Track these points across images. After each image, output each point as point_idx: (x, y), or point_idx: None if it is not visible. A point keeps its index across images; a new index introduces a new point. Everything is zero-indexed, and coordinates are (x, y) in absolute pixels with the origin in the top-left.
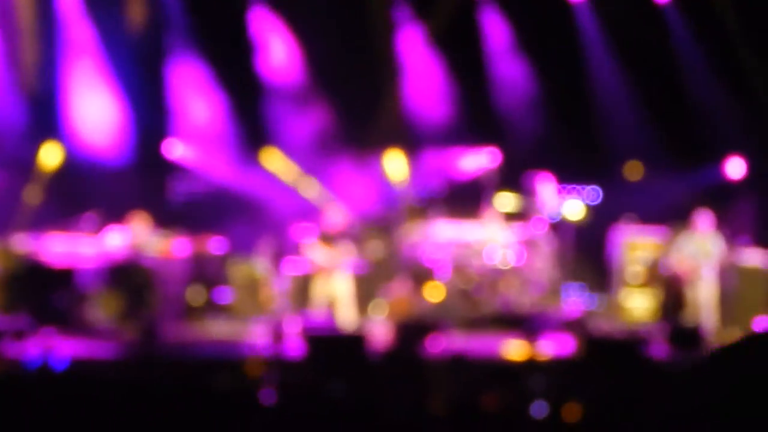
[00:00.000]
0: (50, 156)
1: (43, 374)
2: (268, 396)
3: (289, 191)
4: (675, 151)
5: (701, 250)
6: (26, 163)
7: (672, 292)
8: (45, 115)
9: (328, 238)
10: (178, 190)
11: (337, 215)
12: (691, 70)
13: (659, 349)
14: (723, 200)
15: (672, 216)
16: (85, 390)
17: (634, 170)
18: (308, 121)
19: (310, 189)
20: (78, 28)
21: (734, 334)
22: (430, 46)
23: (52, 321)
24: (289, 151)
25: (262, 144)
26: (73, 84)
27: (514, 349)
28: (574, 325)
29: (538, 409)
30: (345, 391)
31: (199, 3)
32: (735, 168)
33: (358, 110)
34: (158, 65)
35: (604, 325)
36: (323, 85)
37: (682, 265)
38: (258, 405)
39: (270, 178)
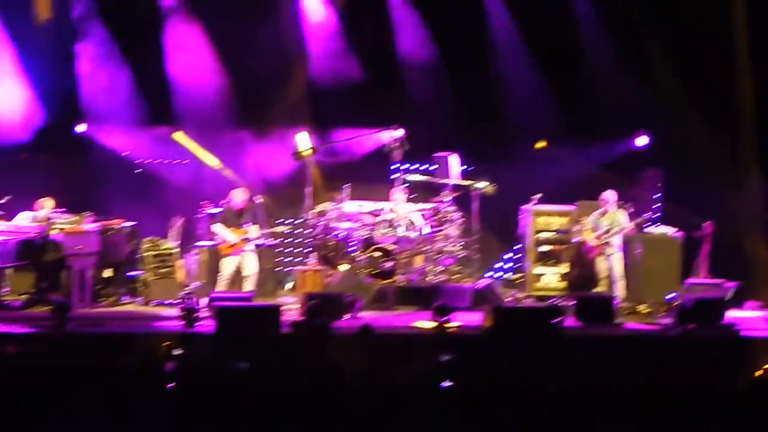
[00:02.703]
0: None
1: None
2: (174, 372)
3: (198, 171)
4: (579, 128)
5: (609, 224)
6: None
7: (582, 265)
8: None
9: (234, 216)
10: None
11: (242, 194)
12: (594, 46)
13: (569, 321)
14: (628, 175)
15: (579, 191)
16: None
17: (539, 147)
18: (213, 99)
19: (217, 168)
20: None
21: (644, 305)
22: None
23: None
24: (196, 131)
25: (168, 124)
26: None
27: (424, 322)
28: (485, 297)
29: (447, 381)
30: (249, 366)
31: None
32: (640, 144)
33: (263, 87)
34: (67, 44)
35: (514, 297)
36: (227, 63)
37: (591, 239)
38: (164, 381)
39: (179, 158)
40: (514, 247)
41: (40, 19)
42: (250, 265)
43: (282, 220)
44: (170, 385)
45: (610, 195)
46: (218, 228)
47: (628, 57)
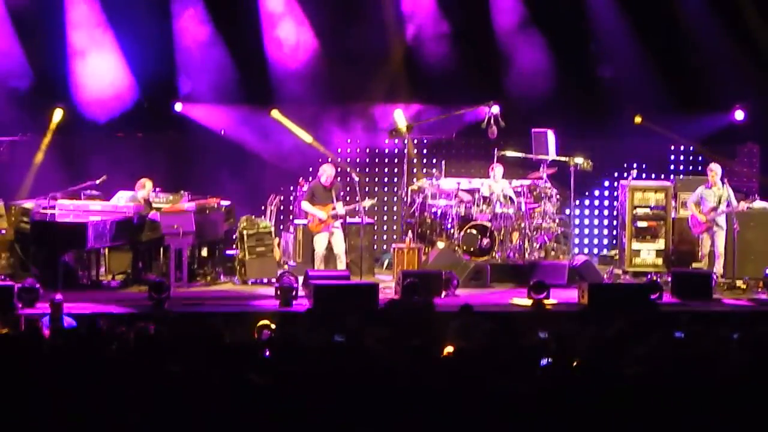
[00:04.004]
0: (58, 120)
1: (55, 333)
2: (270, 340)
3: (295, 149)
4: (676, 103)
5: (716, 201)
6: (34, 128)
7: (684, 240)
8: (51, 78)
9: (323, 192)
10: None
11: (331, 169)
12: (692, 18)
13: (666, 297)
14: (726, 150)
15: (676, 166)
16: (95, 347)
17: (636, 121)
18: (309, 75)
19: (314, 145)
20: None
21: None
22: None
23: (61, 280)
24: (292, 108)
25: (264, 101)
26: (76, 43)
27: (520, 299)
28: (581, 274)
29: (545, 359)
30: (347, 343)
31: None
32: (738, 118)
33: (360, 63)
34: (164, 20)
35: (611, 273)
36: (323, 39)
37: (699, 215)
38: (261, 359)
39: (276, 136)
40: (612, 223)
41: None
42: (339, 242)
43: (374, 197)
44: (267, 353)
45: (716, 168)
46: (306, 206)
47: (726, 30)
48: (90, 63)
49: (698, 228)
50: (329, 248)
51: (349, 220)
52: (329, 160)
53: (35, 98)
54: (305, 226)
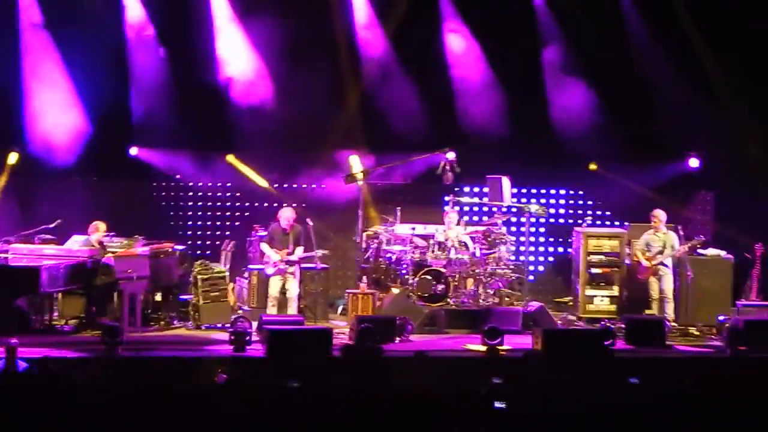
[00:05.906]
0: (13, 163)
1: (9, 377)
2: (225, 395)
3: (250, 194)
4: (630, 150)
5: (662, 245)
6: None
7: (633, 286)
8: (5, 122)
9: (281, 236)
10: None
11: (290, 213)
12: (648, 67)
13: (619, 343)
14: (680, 197)
15: (630, 213)
16: (50, 391)
17: (591, 168)
18: (266, 121)
19: (269, 190)
20: (36, 30)
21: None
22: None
23: (14, 325)
24: (248, 153)
25: (220, 146)
26: (32, 87)
27: (474, 345)
28: (535, 320)
29: (499, 403)
30: (301, 387)
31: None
32: (692, 166)
33: (316, 110)
34: (120, 64)
35: (565, 319)
36: (280, 86)
37: (643, 260)
38: (216, 404)
39: (231, 181)
40: (566, 270)
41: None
42: (293, 287)
43: (329, 243)
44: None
45: (660, 214)
46: (264, 247)
47: (682, 78)
48: (45, 107)
49: (643, 273)
50: (283, 292)
51: (304, 265)
52: (284, 204)
53: None
54: (260, 270)
